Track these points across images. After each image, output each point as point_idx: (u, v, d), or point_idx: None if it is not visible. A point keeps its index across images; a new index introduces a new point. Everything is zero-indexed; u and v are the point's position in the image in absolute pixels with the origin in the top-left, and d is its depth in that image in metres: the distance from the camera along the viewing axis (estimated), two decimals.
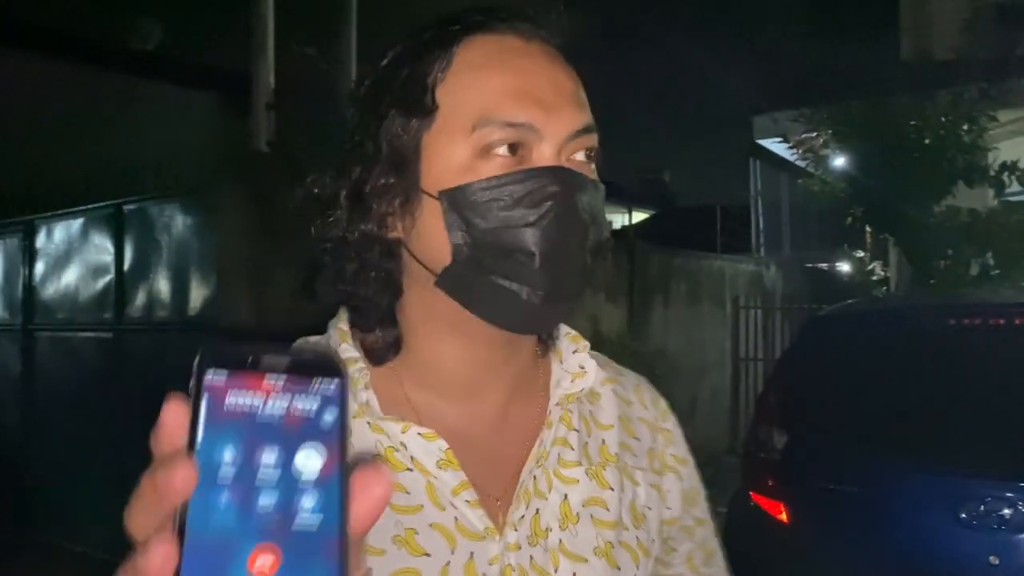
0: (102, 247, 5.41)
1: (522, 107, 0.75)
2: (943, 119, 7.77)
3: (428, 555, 0.77)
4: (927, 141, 7.85)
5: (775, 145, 10.02)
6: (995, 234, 7.61)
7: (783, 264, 11.38)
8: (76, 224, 5.67)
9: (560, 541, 0.81)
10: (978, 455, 2.59)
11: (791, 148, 9.12)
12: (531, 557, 0.79)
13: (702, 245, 9.94)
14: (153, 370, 5.01)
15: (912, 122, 7.87)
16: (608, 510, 0.84)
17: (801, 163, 9.29)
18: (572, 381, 0.87)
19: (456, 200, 0.75)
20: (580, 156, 0.79)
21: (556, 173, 0.76)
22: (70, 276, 5.70)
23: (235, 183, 4.39)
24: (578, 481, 0.84)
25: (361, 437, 0.78)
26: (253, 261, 4.34)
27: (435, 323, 0.81)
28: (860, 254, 9.28)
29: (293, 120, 4.39)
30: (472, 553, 0.78)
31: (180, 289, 4.82)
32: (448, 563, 0.77)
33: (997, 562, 2.44)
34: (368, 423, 0.79)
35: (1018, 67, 8.46)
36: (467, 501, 0.79)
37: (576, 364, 0.88)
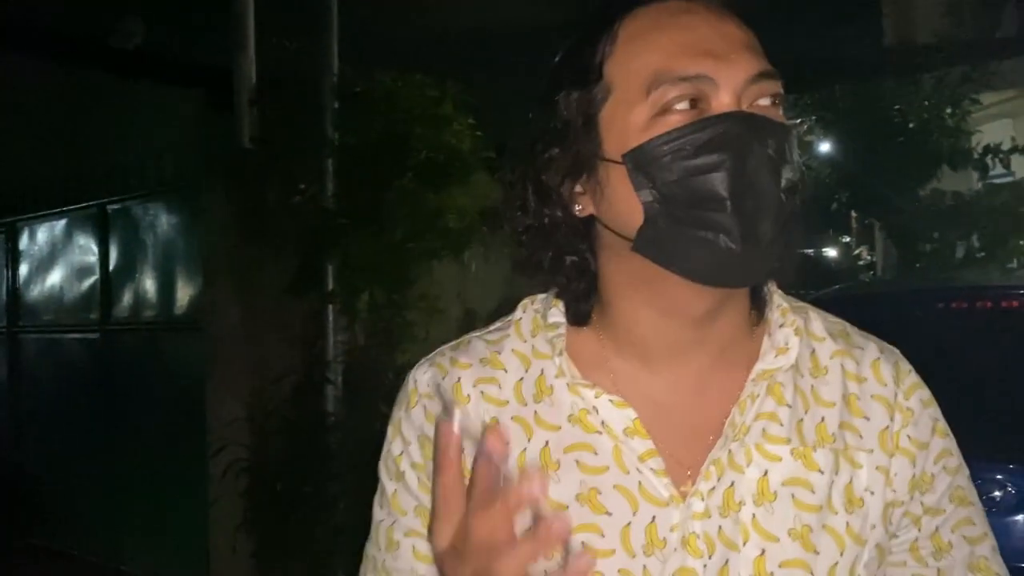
0: (87, 248, 5.37)
1: (693, 60, 0.76)
2: (926, 103, 7.79)
3: (609, 514, 0.81)
4: (911, 125, 7.87)
5: None
6: (979, 216, 7.66)
7: None
8: (60, 225, 5.63)
9: (753, 516, 0.81)
10: (966, 437, 2.59)
11: None
12: (720, 527, 0.80)
13: None
14: (140, 370, 4.99)
15: (896, 106, 7.89)
16: (813, 492, 0.82)
17: None
18: (775, 356, 0.85)
19: (640, 159, 0.77)
20: (764, 101, 0.79)
21: (735, 117, 0.76)
22: (55, 277, 5.66)
23: (219, 180, 4.36)
24: (781, 459, 0.83)
25: (560, 397, 0.85)
26: (239, 259, 4.31)
27: (635, 291, 0.83)
28: (846, 239, 9.32)
29: (276, 116, 4.35)
30: (654, 517, 0.80)
31: (166, 288, 4.79)
32: (629, 524, 0.80)
33: None
34: (567, 384, 0.85)
35: (1000, 50, 8.49)
36: (653, 469, 0.81)
37: (782, 339, 0.87)
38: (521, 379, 0.88)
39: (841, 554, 0.82)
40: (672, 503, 0.81)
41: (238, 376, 4.29)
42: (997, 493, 2.46)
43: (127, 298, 5.06)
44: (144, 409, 4.91)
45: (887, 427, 0.87)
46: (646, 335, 0.85)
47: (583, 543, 0.80)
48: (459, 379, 0.87)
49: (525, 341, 0.90)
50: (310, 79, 4.32)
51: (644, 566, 0.80)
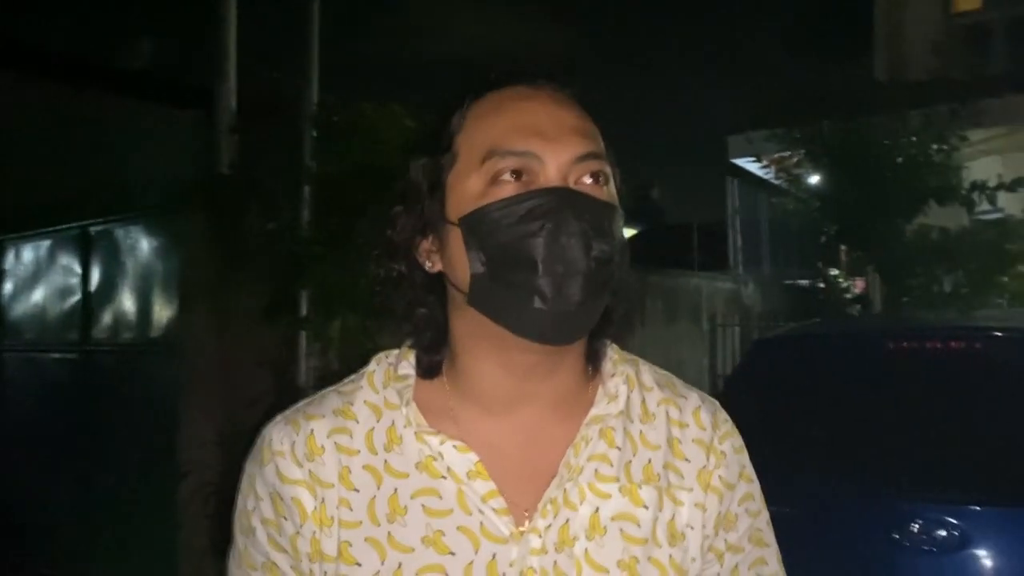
0: (69, 269, 5.41)
1: (524, 138, 0.87)
2: (914, 139, 7.82)
3: (453, 554, 0.87)
4: (899, 160, 7.90)
5: (750, 164, 10.09)
6: (965, 252, 7.67)
7: (761, 282, 11.42)
8: (44, 246, 5.67)
9: (586, 550, 0.88)
10: (913, 477, 2.61)
11: (764, 167, 9.20)
12: (555, 562, 0.87)
13: (679, 263, 9.98)
14: (117, 391, 5.01)
15: (885, 141, 7.93)
16: (639, 526, 0.90)
17: (776, 182, 9.36)
18: (607, 404, 0.94)
19: (472, 223, 0.86)
20: (587, 179, 0.88)
21: (554, 192, 0.85)
22: (37, 297, 5.69)
23: (198, 206, 4.40)
24: (611, 496, 0.90)
25: (408, 446, 0.91)
26: (215, 283, 4.34)
27: (476, 343, 0.91)
28: (835, 272, 9.33)
29: (256, 143, 4.41)
30: (495, 555, 0.87)
31: (144, 311, 4.82)
32: (472, 562, 0.86)
33: None
34: (415, 433, 0.91)
35: (989, 87, 8.55)
36: (494, 508, 0.88)
37: (613, 387, 0.96)
38: (372, 429, 0.93)
39: None
40: (512, 540, 0.87)
41: (211, 400, 4.31)
42: (941, 533, 2.47)
43: (106, 320, 5.09)
44: (120, 431, 4.92)
45: (704, 466, 0.96)
46: (487, 386, 0.93)
47: None
48: (312, 431, 0.93)
49: (377, 393, 0.96)
50: (290, 107, 4.40)
51: None
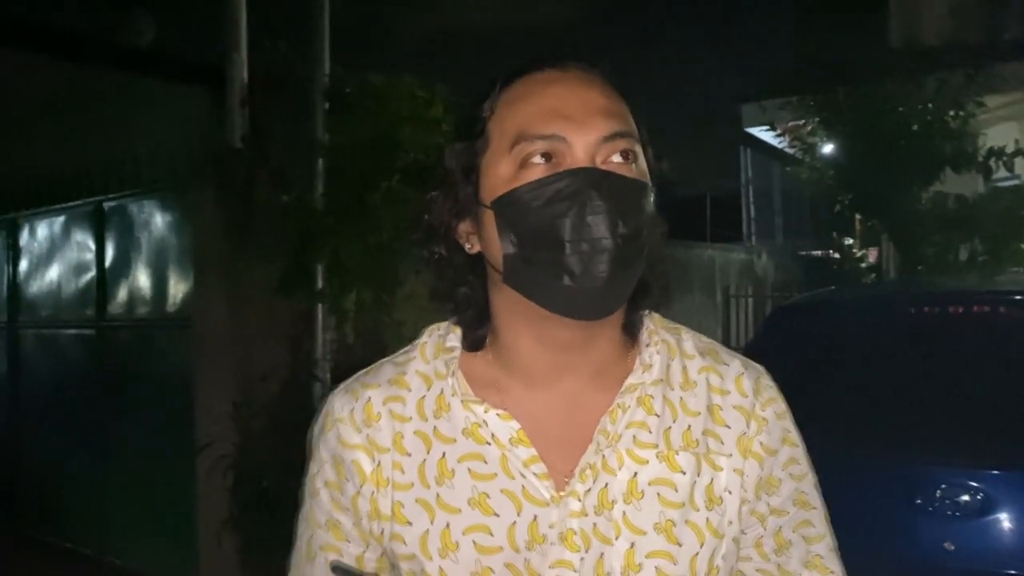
0: (84, 244, 5.42)
1: (551, 122, 0.90)
2: (930, 105, 7.72)
3: (497, 515, 0.93)
4: (914, 127, 7.80)
5: (764, 133, 9.99)
6: (982, 220, 7.60)
7: (775, 252, 11.37)
8: (58, 221, 5.68)
9: (624, 513, 0.93)
10: (935, 442, 2.60)
11: (778, 136, 9.11)
12: (595, 524, 0.92)
13: (692, 234, 9.94)
14: (134, 366, 5.04)
15: (899, 108, 7.83)
16: (676, 491, 0.94)
17: (790, 151, 9.29)
18: (642, 373, 0.97)
19: (504, 206, 0.90)
20: (616, 158, 0.90)
21: (580, 172, 0.88)
22: (53, 273, 5.72)
23: (211, 180, 4.39)
24: (648, 462, 0.94)
25: (455, 413, 0.97)
26: (228, 258, 4.34)
27: (515, 318, 0.96)
28: (849, 241, 9.26)
29: (267, 116, 4.39)
30: (536, 516, 0.92)
31: (159, 286, 4.83)
32: (514, 523, 0.92)
33: (952, 548, 2.45)
34: (461, 401, 0.97)
35: (1006, 52, 8.42)
36: (535, 473, 0.93)
37: (648, 357, 0.99)
38: (423, 397, 0.99)
39: (701, 546, 0.94)
40: (552, 503, 0.92)
41: (227, 374, 4.33)
42: (964, 498, 2.46)
43: (122, 295, 5.11)
44: (137, 405, 4.95)
45: (744, 432, 0.99)
46: (527, 359, 0.97)
47: (474, 542, 0.92)
48: (369, 399, 0.99)
49: (428, 363, 1.01)
50: (301, 80, 4.37)
51: (527, 560, 0.91)
